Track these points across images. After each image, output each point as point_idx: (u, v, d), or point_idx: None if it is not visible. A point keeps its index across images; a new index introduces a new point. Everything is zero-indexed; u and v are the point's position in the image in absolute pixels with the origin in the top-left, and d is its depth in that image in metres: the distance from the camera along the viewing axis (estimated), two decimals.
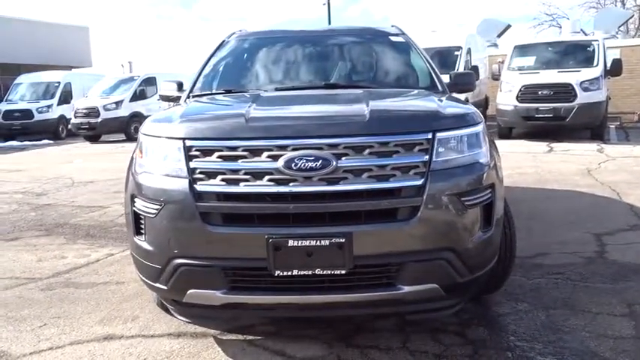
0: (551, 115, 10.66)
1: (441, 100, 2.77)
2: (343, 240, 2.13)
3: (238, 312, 2.47)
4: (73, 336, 2.83)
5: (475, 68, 11.80)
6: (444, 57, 12.07)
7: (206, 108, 2.99)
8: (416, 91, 3.19)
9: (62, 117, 17.71)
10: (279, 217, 2.19)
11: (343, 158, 2.20)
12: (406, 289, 2.24)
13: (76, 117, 15.93)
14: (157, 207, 2.32)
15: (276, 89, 3.34)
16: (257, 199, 2.22)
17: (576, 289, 3.24)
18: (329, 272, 2.17)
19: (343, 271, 2.17)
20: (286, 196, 2.19)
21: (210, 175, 2.26)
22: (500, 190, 2.60)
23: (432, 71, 3.56)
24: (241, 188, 2.21)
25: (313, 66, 3.70)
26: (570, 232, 4.44)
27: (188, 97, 3.45)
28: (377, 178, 2.21)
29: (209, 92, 3.43)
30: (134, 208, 2.45)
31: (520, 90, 10.86)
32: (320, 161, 2.17)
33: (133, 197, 2.47)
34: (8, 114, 17.53)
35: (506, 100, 11.16)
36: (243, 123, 2.34)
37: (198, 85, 3.57)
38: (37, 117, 17.38)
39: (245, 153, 2.24)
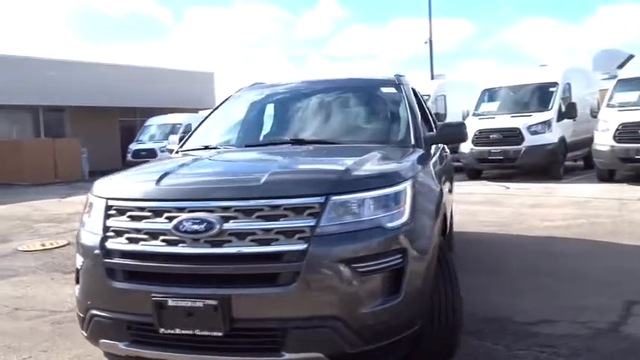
0: None
1: (370, 160, 2.71)
2: (216, 302, 2.17)
3: None
4: None
5: (571, 105, 11.10)
6: (539, 93, 12.15)
7: (141, 168, 3.13)
8: (368, 147, 3.11)
9: None
10: (165, 277, 2.29)
11: (230, 221, 2.26)
12: (287, 356, 2.20)
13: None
14: (82, 260, 2.55)
15: (246, 145, 3.49)
16: (150, 258, 2.35)
17: None
18: (206, 334, 2.21)
19: (220, 333, 2.19)
20: (174, 257, 2.29)
21: (119, 233, 2.44)
22: (426, 253, 2.46)
23: (411, 124, 3.46)
24: (139, 247, 2.36)
25: (287, 123, 3.80)
26: (598, 297, 3.95)
27: (177, 152, 3.72)
28: (259, 242, 2.23)
29: (190, 148, 3.66)
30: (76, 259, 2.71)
31: (617, 129, 9.92)
32: (204, 224, 2.25)
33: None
34: (137, 153, 19.80)
35: (602, 139, 10.24)
36: (153, 185, 2.50)
37: (190, 140, 3.83)
38: (160, 155, 19.34)
39: (149, 214, 2.39)
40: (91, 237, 2.50)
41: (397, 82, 3.91)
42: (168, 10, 76.05)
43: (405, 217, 2.41)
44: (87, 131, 22.89)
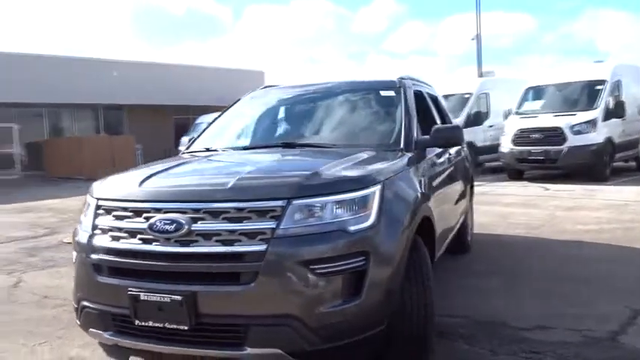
0: None
1: (344, 163, 2.79)
2: (181, 298, 2.32)
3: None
4: (51, 354, 3.41)
5: (620, 104, 10.68)
6: (587, 92, 11.82)
7: (134, 170, 3.26)
8: (352, 151, 3.17)
9: None
10: (140, 273, 2.46)
11: (199, 222, 2.40)
12: (249, 350, 2.32)
13: None
14: (75, 255, 2.78)
15: (243, 148, 3.64)
16: (128, 255, 2.52)
17: None
18: (173, 327, 2.37)
19: (185, 327, 2.35)
20: (147, 255, 2.46)
21: (104, 231, 2.63)
22: (393, 256, 2.51)
23: (403, 128, 3.49)
24: (119, 244, 2.55)
25: (283, 126, 3.91)
26: (609, 305, 3.84)
27: (183, 153, 3.92)
28: (224, 242, 2.35)
29: (194, 150, 3.85)
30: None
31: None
32: (174, 224, 2.40)
33: None
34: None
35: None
36: (136, 187, 2.68)
37: (197, 142, 4.02)
38: None
39: (130, 214, 2.58)
40: (83, 235, 2.71)
41: (398, 85, 3.94)
42: (227, 9, 77.77)
43: (371, 221, 2.47)
44: (143, 128, 23.94)
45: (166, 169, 3.00)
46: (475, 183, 6.24)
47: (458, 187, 4.67)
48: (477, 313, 3.75)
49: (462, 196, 4.85)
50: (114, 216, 2.63)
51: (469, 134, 12.95)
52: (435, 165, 3.76)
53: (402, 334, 2.65)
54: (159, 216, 2.46)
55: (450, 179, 4.31)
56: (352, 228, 2.41)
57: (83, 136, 22.25)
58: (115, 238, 2.57)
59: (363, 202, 2.49)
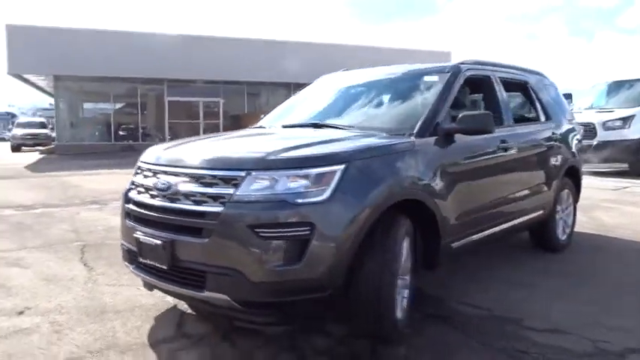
0: None
1: (322, 143, 3.07)
2: (160, 242, 2.88)
3: None
4: None
5: None
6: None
7: (177, 141, 3.81)
8: (361, 134, 3.44)
9: None
10: (143, 220, 3.09)
11: (183, 184, 2.93)
12: (206, 293, 2.80)
13: None
14: (121, 204, 3.53)
15: (282, 126, 4.06)
16: (141, 205, 3.16)
17: None
18: (159, 266, 2.95)
19: (165, 267, 2.91)
20: (149, 207, 3.07)
21: (135, 186, 3.32)
22: (342, 232, 2.73)
23: (426, 114, 3.54)
24: (137, 197, 3.21)
25: (325, 108, 4.22)
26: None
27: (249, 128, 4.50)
28: (196, 202, 2.85)
29: (256, 126, 4.39)
30: None
31: None
32: (165, 185, 2.98)
33: None
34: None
35: None
36: (159, 154, 3.31)
37: (263, 119, 4.56)
38: None
39: (150, 174, 3.22)
40: (125, 189, 3.45)
41: (447, 71, 3.93)
42: None
43: (324, 197, 2.72)
44: None
45: (187, 142, 3.58)
46: None
47: (524, 178, 4.43)
48: (500, 308, 3.65)
49: (535, 188, 4.58)
50: (143, 175, 3.29)
51: None
52: (466, 152, 3.70)
53: (356, 307, 2.87)
54: (161, 177, 3.05)
55: (506, 170, 4.14)
56: (300, 200, 2.70)
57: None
58: (139, 192, 3.24)
59: (319, 179, 2.74)
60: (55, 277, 4.30)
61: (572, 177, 5.32)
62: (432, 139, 3.43)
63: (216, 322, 3.35)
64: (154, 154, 3.37)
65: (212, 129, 25.37)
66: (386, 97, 4.11)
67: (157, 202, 3.03)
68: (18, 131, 28.74)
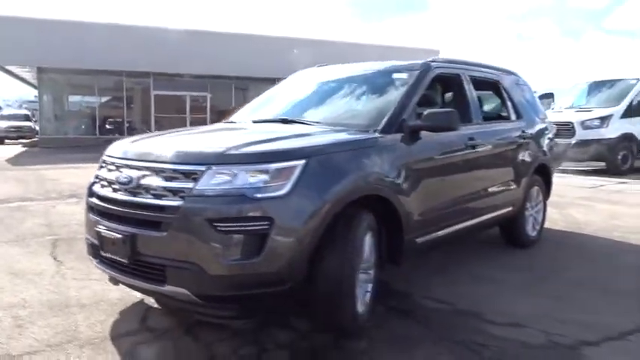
0: None
1: (283, 139, 3.08)
2: (121, 236, 2.88)
3: None
4: None
5: None
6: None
7: (143, 135, 3.82)
8: (324, 130, 3.46)
9: None
10: (106, 214, 3.09)
11: (145, 178, 2.93)
12: (167, 287, 2.81)
13: None
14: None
15: (253, 122, 4.07)
16: (103, 199, 3.16)
17: None
18: (120, 259, 2.95)
19: (125, 261, 2.91)
20: (111, 200, 3.07)
21: (99, 179, 3.32)
22: (302, 226, 2.75)
23: (391, 111, 3.57)
24: (100, 190, 3.21)
25: (294, 104, 4.24)
26: (613, 316, 3.49)
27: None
28: (155, 196, 2.85)
29: (228, 121, 4.39)
30: None
31: None
32: (127, 178, 2.98)
33: None
34: None
35: None
36: (125, 147, 3.30)
37: (236, 114, 4.57)
38: None
39: (113, 167, 3.22)
40: (89, 183, 3.44)
41: (416, 69, 3.96)
42: None
43: (283, 191, 2.74)
44: None
45: (153, 136, 3.59)
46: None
47: (492, 175, 4.49)
48: (464, 302, 3.70)
49: (503, 185, 4.63)
50: (107, 169, 3.29)
51: (629, 126, 11.58)
52: (433, 149, 3.73)
53: (315, 300, 2.91)
54: (124, 170, 3.05)
55: (474, 167, 4.19)
56: (259, 195, 2.72)
57: None
58: (102, 186, 3.24)
59: (278, 174, 2.76)
60: (21, 272, 4.28)
61: (543, 174, 5.39)
62: (398, 136, 3.47)
63: (181, 317, 3.36)
64: (119, 148, 3.37)
65: (199, 123, 25.11)
66: (357, 94, 4.14)
67: (118, 195, 3.03)
68: (1, 124, 28.34)
